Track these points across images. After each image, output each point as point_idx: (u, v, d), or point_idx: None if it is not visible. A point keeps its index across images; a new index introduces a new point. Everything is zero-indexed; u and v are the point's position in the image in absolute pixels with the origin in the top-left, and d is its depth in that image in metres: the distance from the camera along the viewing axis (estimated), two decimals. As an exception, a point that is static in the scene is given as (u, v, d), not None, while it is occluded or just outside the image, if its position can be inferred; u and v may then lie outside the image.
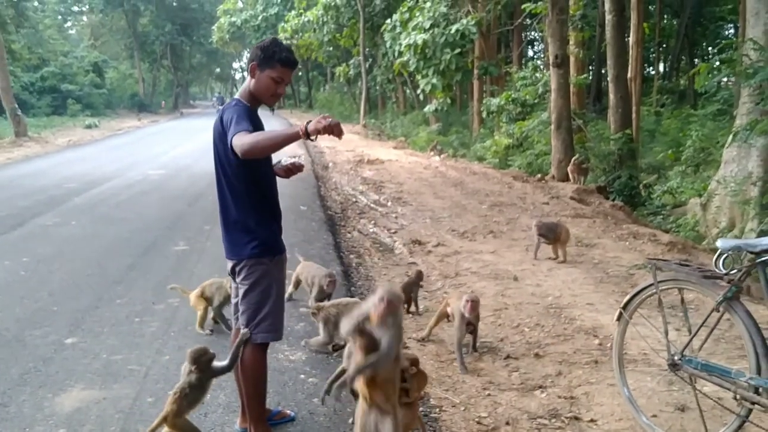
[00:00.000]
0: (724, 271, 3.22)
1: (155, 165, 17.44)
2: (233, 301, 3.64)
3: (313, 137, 3.02)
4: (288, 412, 3.84)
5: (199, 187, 12.89)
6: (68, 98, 42.30)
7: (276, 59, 3.32)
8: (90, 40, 62.35)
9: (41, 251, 7.94)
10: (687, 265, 3.49)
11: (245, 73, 3.58)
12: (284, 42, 3.56)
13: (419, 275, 6.12)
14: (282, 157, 3.62)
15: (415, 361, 3.35)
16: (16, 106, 26.45)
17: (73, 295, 6.17)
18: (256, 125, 3.32)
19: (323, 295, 5.61)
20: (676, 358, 3.43)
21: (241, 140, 3.05)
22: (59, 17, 60.62)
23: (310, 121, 3.01)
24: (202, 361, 3.35)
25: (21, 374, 4.42)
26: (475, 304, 4.79)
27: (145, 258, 7.67)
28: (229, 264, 3.52)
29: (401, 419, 2.95)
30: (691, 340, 3.40)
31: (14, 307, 5.85)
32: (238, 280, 3.48)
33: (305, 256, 6.43)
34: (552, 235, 7.59)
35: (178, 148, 22.55)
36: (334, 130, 2.98)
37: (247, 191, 3.38)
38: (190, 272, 7.02)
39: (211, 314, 5.32)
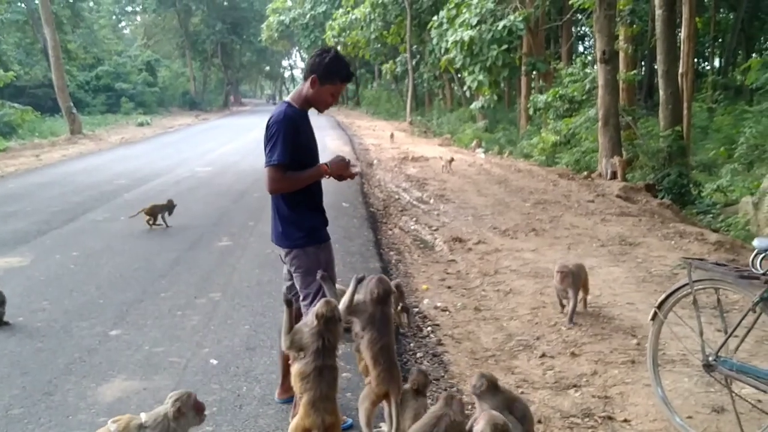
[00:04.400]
0: (761, 271, 3.15)
1: (203, 162, 17.78)
2: (286, 284, 3.88)
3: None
4: (345, 418, 3.81)
5: (244, 184, 13.07)
6: (122, 96, 43.36)
7: (338, 77, 3.55)
8: (143, 40, 63.73)
9: (91, 245, 8.19)
10: (723, 265, 3.42)
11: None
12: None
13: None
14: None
15: None
16: (72, 104, 27.25)
17: (120, 289, 6.36)
18: (302, 134, 3.59)
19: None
20: (710, 359, 3.37)
21: (270, 182, 3.51)
22: (113, 17, 62.30)
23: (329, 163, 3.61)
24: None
25: (67, 364, 4.58)
26: None
27: (190, 253, 7.84)
28: (282, 251, 3.75)
29: None
30: (726, 340, 3.34)
31: (63, 299, 6.06)
32: (291, 268, 3.73)
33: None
34: (578, 282, 5.51)
35: (225, 145, 22.92)
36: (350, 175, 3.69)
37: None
38: (233, 267, 7.17)
39: None
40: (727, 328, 3.41)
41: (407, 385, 3.45)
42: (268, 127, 3.53)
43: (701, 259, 3.70)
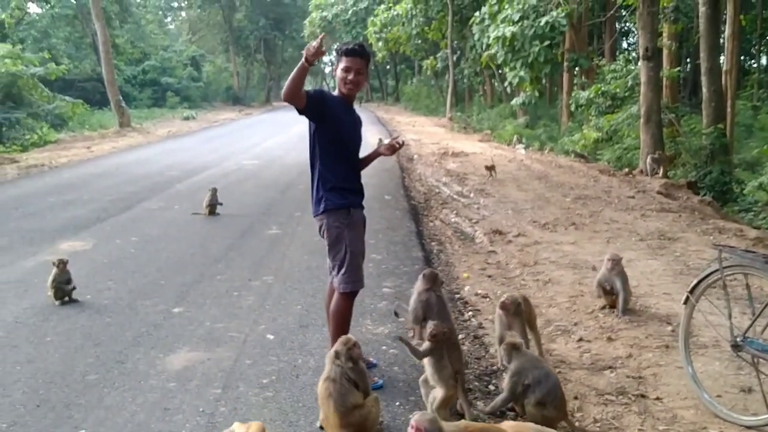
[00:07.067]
0: (787, 258, 3.36)
1: (249, 155, 18.24)
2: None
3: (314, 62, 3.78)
4: (371, 359, 4.36)
5: (290, 176, 13.48)
6: (167, 91, 44.40)
7: (340, 54, 4.05)
8: (188, 35, 65.01)
9: (148, 232, 8.65)
10: (752, 252, 3.63)
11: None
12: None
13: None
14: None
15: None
16: (120, 97, 28.10)
17: (179, 271, 6.77)
18: (332, 110, 4.02)
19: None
20: (738, 339, 3.58)
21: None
22: (160, 12, 63.65)
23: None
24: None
25: (135, 337, 4.97)
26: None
27: (242, 240, 8.24)
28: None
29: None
30: (753, 322, 3.55)
31: (126, 280, 6.48)
32: (324, 240, 4.15)
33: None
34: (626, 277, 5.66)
35: (270, 140, 23.40)
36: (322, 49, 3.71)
37: (324, 151, 4.06)
38: (283, 254, 7.54)
39: None
40: (755, 311, 3.62)
41: None
42: None
43: (731, 246, 3.90)
